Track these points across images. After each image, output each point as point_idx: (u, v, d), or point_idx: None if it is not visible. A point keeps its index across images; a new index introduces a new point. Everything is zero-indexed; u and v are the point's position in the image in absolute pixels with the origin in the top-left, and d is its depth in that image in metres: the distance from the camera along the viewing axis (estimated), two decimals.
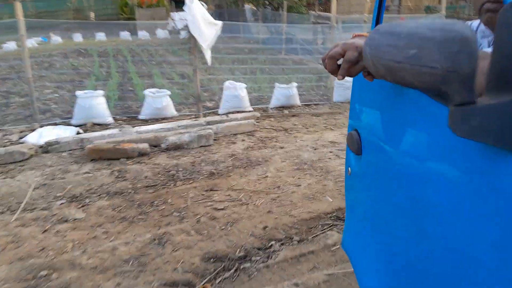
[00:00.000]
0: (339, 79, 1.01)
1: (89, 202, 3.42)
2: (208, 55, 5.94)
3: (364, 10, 23.82)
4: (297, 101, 6.60)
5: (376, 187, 1.20)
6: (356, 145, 1.31)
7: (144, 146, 4.46)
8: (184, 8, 5.48)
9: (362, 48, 0.97)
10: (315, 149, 4.57)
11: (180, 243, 2.78)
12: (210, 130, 4.86)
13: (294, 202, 3.32)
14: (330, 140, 4.89)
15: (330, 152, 4.48)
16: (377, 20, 1.32)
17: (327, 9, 24.45)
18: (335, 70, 1.01)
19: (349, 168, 1.46)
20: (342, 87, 7.00)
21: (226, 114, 5.83)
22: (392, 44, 0.70)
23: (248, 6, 21.54)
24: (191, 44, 5.72)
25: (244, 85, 6.25)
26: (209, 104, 6.63)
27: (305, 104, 6.65)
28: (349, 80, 7.08)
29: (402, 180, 0.99)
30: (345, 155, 1.57)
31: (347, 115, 6.11)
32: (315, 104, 6.72)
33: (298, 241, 2.77)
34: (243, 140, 4.92)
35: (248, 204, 3.31)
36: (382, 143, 1.11)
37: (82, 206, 3.35)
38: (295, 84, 6.56)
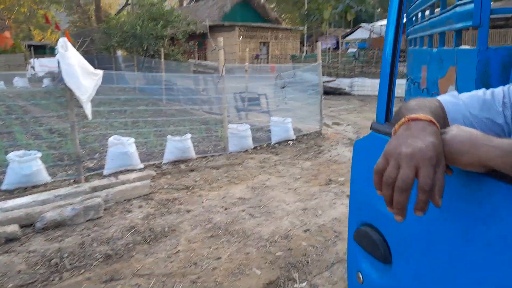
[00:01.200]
0: (419, 215, 0.66)
1: None
2: (88, 108, 5.17)
3: (237, 59, 24.94)
4: (192, 153, 6.16)
5: None
6: (381, 251, 0.96)
7: (13, 228, 3.48)
8: (57, 56, 4.70)
9: (438, 155, 0.65)
10: (225, 209, 4.15)
11: None
12: (99, 199, 4.08)
13: (219, 282, 2.82)
14: (238, 196, 4.53)
15: (243, 211, 4.11)
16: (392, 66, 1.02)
17: (201, 56, 24.96)
18: (405, 205, 0.66)
19: (360, 275, 1.10)
20: (236, 136, 6.81)
21: (114, 175, 5.07)
22: None
23: (119, 53, 20.65)
24: (67, 97, 4.91)
25: (132, 139, 5.58)
26: (90, 164, 5.75)
27: (201, 156, 6.24)
28: (242, 129, 6.96)
29: None
30: (347, 252, 1.21)
31: (246, 166, 5.88)
32: (211, 156, 6.36)
33: None
34: (140, 207, 4.24)
35: None
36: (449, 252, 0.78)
37: None
38: (189, 135, 6.13)
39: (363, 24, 34.34)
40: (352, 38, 34.76)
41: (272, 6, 36.87)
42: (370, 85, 16.67)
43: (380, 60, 25.72)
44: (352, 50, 29.51)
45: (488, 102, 0.89)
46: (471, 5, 1.28)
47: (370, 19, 38.22)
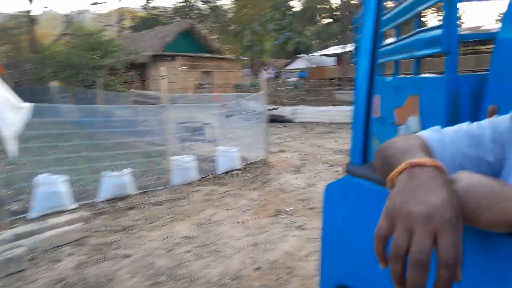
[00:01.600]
0: None
1: None
2: (12, 145, 4.64)
3: (180, 89, 24.63)
4: (131, 189, 5.73)
5: None
6: None
7: None
8: None
9: (458, 214, 0.49)
10: (169, 251, 3.80)
11: None
12: (22, 249, 3.56)
13: None
14: (183, 235, 4.20)
15: (188, 251, 3.79)
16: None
17: (143, 86, 24.36)
18: (424, 285, 0.47)
19: None
20: (180, 168, 6.49)
21: (43, 218, 4.53)
22: None
23: (53, 84, 19.57)
24: None
25: (64, 177, 5.09)
26: (14, 207, 5.12)
27: (141, 192, 5.82)
28: (186, 161, 6.64)
29: None
30: None
31: (191, 200, 5.57)
32: (153, 191, 5.97)
33: None
34: (71, 254, 3.77)
35: None
36: None
37: None
38: (127, 170, 5.72)
39: (301, 55, 35.74)
40: (291, 68, 35.99)
41: (214, 36, 37.31)
42: (311, 112, 17.16)
43: (319, 89, 26.75)
44: (292, 79, 30.44)
45: (476, 138, 0.75)
46: (438, 31, 1.19)
47: (308, 49, 39.94)
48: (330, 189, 0.87)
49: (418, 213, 0.48)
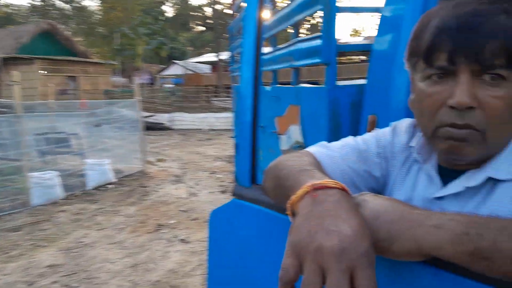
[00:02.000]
0: None
1: None
2: None
3: (39, 95, 22.06)
4: None
5: None
6: None
7: None
8: None
9: (371, 245, 0.43)
10: (30, 285, 3.26)
11: None
12: None
13: None
14: (48, 264, 3.66)
15: (54, 282, 3.30)
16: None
17: None
18: None
19: None
20: (41, 186, 5.71)
21: None
22: None
23: None
24: None
25: None
26: None
27: None
28: (48, 177, 5.89)
29: None
30: None
31: (56, 222, 4.94)
32: (8, 214, 5.13)
33: None
34: None
35: None
36: None
37: None
38: None
39: (176, 61, 35.33)
40: (167, 74, 35.32)
41: (79, 39, 34.43)
42: (189, 120, 17.02)
43: (196, 96, 26.74)
44: (168, 85, 29.87)
45: (363, 152, 0.73)
46: (317, 42, 1.19)
47: (183, 56, 39.73)
48: (216, 215, 0.77)
49: (330, 248, 0.40)
